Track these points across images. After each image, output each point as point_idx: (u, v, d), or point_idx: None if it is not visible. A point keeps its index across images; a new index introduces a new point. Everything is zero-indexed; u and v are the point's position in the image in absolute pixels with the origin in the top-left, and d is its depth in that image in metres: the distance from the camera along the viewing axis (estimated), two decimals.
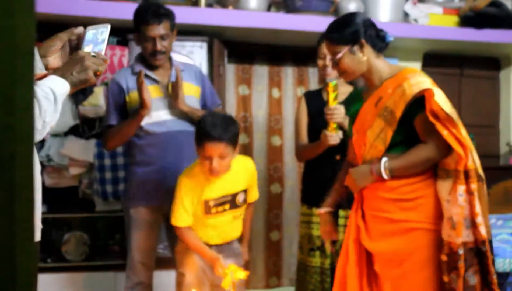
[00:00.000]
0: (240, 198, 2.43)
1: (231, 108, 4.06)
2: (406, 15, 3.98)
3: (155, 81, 2.59)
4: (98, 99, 3.29)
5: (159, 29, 2.50)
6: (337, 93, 2.45)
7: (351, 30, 2.01)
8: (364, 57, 2.02)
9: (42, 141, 3.26)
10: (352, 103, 2.22)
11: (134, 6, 2.71)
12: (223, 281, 2.28)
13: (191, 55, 3.45)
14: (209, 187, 2.35)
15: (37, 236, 1.49)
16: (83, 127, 3.39)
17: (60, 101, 1.43)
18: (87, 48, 1.60)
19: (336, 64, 2.07)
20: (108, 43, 1.63)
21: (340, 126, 2.47)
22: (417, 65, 4.22)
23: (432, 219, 1.93)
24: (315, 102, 2.74)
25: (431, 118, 1.86)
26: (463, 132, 1.89)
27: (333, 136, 2.46)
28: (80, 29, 1.63)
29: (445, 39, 3.95)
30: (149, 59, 2.57)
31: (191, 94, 2.62)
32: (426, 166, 1.94)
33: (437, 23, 4.01)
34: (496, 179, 3.86)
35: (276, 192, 4.15)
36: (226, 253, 2.40)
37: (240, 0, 3.62)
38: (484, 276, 1.89)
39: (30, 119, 0.60)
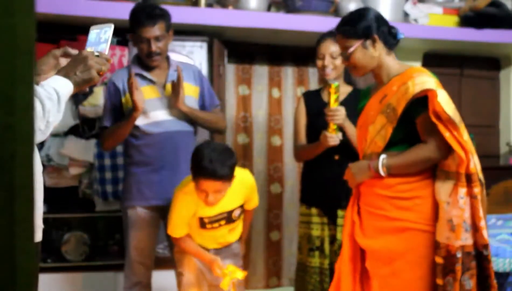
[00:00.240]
0: (236, 213, 2.40)
1: (231, 108, 4.06)
2: (406, 15, 3.98)
3: (151, 82, 2.59)
4: (98, 99, 3.29)
5: (154, 31, 2.48)
6: (339, 94, 2.44)
7: (364, 24, 2.00)
8: (376, 52, 2.01)
9: (42, 142, 3.26)
10: (362, 99, 2.22)
11: None
12: (222, 281, 2.28)
13: (191, 55, 3.46)
14: (204, 207, 2.30)
15: (39, 236, 1.49)
16: (83, 127, 3.39)
17: (63, 101, 1.43)
18: (90, 48, 1.60)
19: (346, 59, 2.05)
20: (110, 43, 1.63)
21: (340, 128, 2.47)
22: (417, 65, 4.22)
23: (427, 220, 1.92)
24: (314, 103, 2.74)
25: (434, 119, 1.85)
26: (465, 136, 1.88)
27: (333, 138, 2.45)
28: (74, 51, 1.61)
29: (445, 39, 3.95)
30: (145, 60, 2.56)
31: (189, 95, 2.62)
32: (425, 165, 1.93)
33: (437, 23, 4.01)
34: (496, 179, 3.86)
35: (276, 192, 4.15)
36: (224, 254, 2.40)
37: (240, 0, 3.62)
38: (482, 280, 1.87)
39: (30, 119, 0.60)
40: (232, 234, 2.47)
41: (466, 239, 1.85)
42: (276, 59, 4.17)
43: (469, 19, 4.00)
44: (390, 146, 1.98)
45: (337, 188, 2.58)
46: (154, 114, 2.55)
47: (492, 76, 4.57)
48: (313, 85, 4.17)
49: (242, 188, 2.37)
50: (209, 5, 3.57)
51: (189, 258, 2.46)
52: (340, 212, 2.57)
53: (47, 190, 3.15)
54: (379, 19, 2.04)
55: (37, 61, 1.58)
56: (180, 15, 3.29)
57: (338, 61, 2.61)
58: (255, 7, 3.64)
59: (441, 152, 1.90)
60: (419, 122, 1.93)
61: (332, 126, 2.45)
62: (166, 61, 2.65)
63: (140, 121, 2.52)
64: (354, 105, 2.56)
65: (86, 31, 1.73)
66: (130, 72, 2.45)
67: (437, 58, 4.32)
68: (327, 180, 2.63)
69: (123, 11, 3.17)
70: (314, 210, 2.68)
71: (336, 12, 3.75)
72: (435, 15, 4.05)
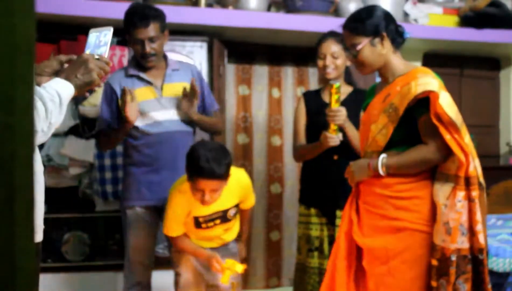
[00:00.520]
0: (231, 213, 2.41)
1: (231, 108, 4.06)
2: (406, 15, 3.98)
3: (148, 83, 2.59)
4: (98, 99, 3.28)
5: (147, 32, 2.47)
6: (340, 95, 2.44)
7: (373, 22, 1.99)
8: (384, 50, 2.00)
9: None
10: (367, 97, 2.21)
11: None
12: (222, 276, 2.28)
13: (191, 55, 3.46)
14: (199, 206, 2.30)
15: (39, 236, 1.49)
16: (83, 127, 3.39)
17: (65, 103, 1.43)
18: (90, 51, 1.60)
19: (354, 56, 2.04)
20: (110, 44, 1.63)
21: (340, 128, 2.47)
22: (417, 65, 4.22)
23: (425, 221, 1.92)
24: (314, 103, 2.74)
25: (435, 121, 1.85)
26: (466, 139, 1.87)
27: (333, 138, 2.45)
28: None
29: (445, 39, 3.95)
30: (140, 61, 2.56)
31: None
32: (424, 167, 1.93)
33: (437, 23, 4.01)
34: (496, 179, 3.86)
35: (276, 192, 4.15)
36: (221, 254, 2.40)
37: (240, 0, 3.62)
38: (477, 285, 1.87)
39: (30, 119, 0.60)
40: (228, 233, 2.47)
41: (462, 243, 1.84)
42: (276, 59, 4.17)
43: (469, 19, 4.00)
44: (391, 146, 1.97)
45: (336, 188, 2.58)
46: (152, 115, 2.55)
47: (492, 76, 4.57)
48: (313, 85, 4.16)
49: (237, 187, 2.37)
50: (209, 5, 3.57)
51: (186, 258, 2.46)
52: (338, 213, 2.57)
53: (47, 190, 3.16)
54: (388, 17, 2.03)
55: (41, 63, 1.59)
56: (180, 15, 3.29)
57: (339, 61, 2.61)
58: (255, 7, 3.64)
59: (441, 154, 1.89)
60: (421, 123, 1.93)
61: (333, 127, 2.45)
62: (163, 61, 2.64)
63: (139, 122, 2.52)
64: (354, 105, 2.56)
65: (86, 31, 1.73)
66: (131, 74, 2.45)
67: (437, 58, 4.32)
68: (326, 180, 2.63)
69: (123, 11, 3.17)
70: (313, 210, 2.68)
71: (336, 12, 3.75)
72: (435, 15, 4.05)
